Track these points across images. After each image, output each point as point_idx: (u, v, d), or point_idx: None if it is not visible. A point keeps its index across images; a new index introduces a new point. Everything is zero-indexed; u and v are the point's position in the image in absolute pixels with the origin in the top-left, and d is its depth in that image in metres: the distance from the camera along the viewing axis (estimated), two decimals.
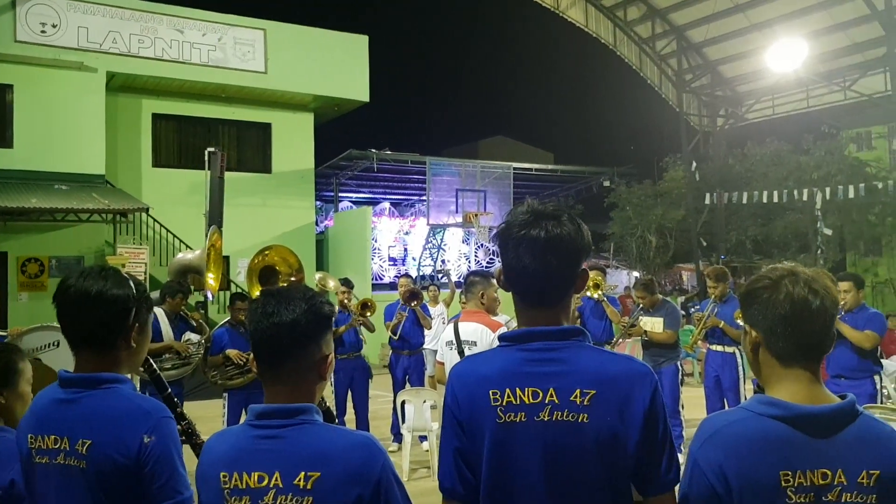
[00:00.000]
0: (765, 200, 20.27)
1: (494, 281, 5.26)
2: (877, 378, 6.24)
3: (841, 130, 24.47)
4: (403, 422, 7.83)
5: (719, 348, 7.65)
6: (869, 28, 19.51)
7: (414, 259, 24.90)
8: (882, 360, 6.64)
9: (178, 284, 7.55)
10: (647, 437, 1.75)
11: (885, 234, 21.69)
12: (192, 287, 8.72)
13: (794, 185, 20.30)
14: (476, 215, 22.06)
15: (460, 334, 4.93)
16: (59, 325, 2.09)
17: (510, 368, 1.81)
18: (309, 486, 1.68)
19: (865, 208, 20.81)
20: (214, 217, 13.56)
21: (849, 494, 1.60)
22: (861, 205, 20.38)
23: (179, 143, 17.94)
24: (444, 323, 10.20)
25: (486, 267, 24.71)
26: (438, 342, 9.92)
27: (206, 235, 8.89)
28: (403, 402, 7.81)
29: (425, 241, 24.47)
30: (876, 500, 1.61)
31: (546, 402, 1.76)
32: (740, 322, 6.86)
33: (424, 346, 9.38)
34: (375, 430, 8.43)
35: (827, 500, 1.61)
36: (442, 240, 24.64)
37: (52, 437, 1.96)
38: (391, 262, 25.01)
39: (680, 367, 8.09)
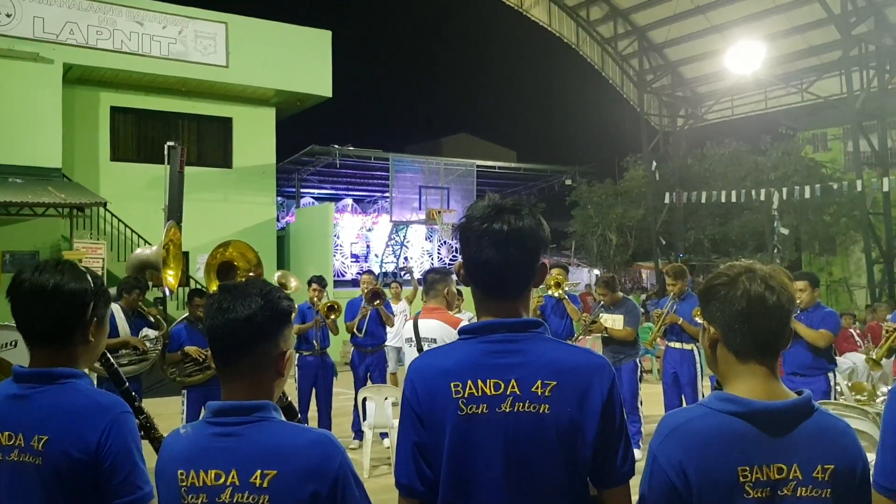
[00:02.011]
0: (723, 200, 20.59)
1: (453, 276, 5.28)
2: (831, 375, 6.37)
3: (798, 132, 24.93)
4: (364, 419, 7.81)
5: (678, 345, 7.76)
6: (825, 32, 19.88)
7: (377, 256, 24.82)
8: (836, 358, 6.77)
9: (134, 280, 7.45)
10: (604, 429, 1.78)
11: (840, 234, 22.15)
12: (151, 283, 8.60)
13: (752, 185, 20.65)
14: (439, 212, 22.07)
15: (420, 332, 4.94)
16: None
17: (471, 360, 1.82)
18: (265, 485, 1.67)
19: (821, 208, 21.24)
20: (174, 212, 13.39)
21: (804, 489, 1.63)
22: (816, 205, 20.79)
23: (138, 136, 17.66)
24: (406, 320, 10.19)
25: (449, 264, 24.72)
26: (400, 339, 9.91)
27: (164, 230, 8.77)
28: (365, 399, 7.79)
29: (388, 237, 24.40)
30: (830, 494, 1.64)
31: (508, 393, 1.77)
32: (698, 319, 6.97)
33: (386, 344, 9.36)
34: (337, 427, 8.39)
35: (783, 494, 1.63)
36: (405, 237, 24.60)
37: (6, 433, 1.91)
38: (353, 259, 24.90)
39: (639, 364, 8.18)
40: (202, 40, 17.18)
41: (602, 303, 8.12)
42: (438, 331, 4.83)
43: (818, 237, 22.44)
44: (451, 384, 1.80)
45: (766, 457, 1.64)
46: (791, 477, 1.63)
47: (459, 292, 6.97)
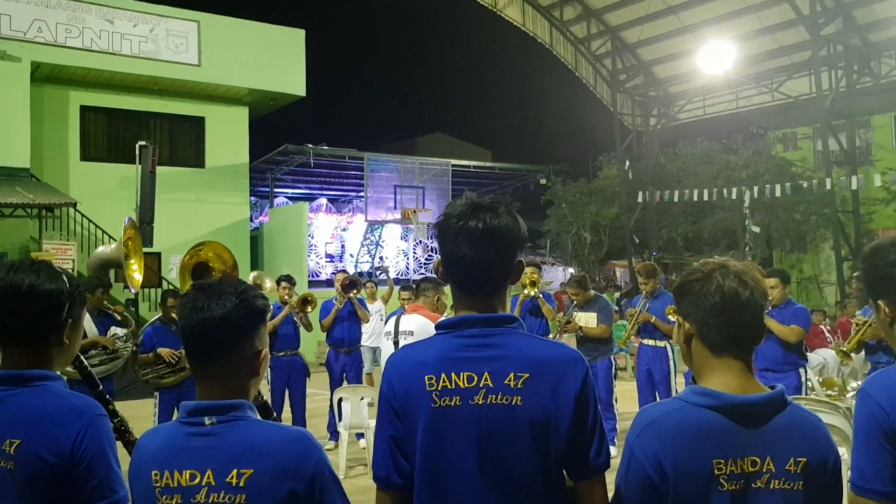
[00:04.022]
0: (695, 199, 20.76)
1: (442, 288, 5.33)
2: (802, 371, 6.46)
3: (768, 131, 25.16)
4: (340, 419, 7.79)
5: (651, 343, 7.83)
6: (795, 32, 20.12)
7: (351, 256, 24.73)
8: (807, 354, 6.87)
9: (97, 279, 7.34)
10: (578, 421, 1.80)
11: (810, 232, 22.40)
12: (123, 285, 8.50)
13: (724, 184, 20.83)
14: (415, 212, 22.06)
15: (399, 325, 5.00)
16: None
17: (446, 354, 1.85)
18: (241, 484, 1.66)
19: (791, 207, 21.47)
20: (145, 212, 13.29)
21: (777, 481, 1.66)
22: (787, 203, 21.02)
23: (109, 136, 17.47)
24: (381, 320, 10.18)
25: (425, 263, 24.73)
26: (375, 339, 9.90)
27: (122, 227, 8.70)
28: (340, 400, 7.77)
29: (363, 237, 24.33)
30: (802, 486, 1.67)
31: (481, 385, 1.80)
32: (671, 317, 7.04)
33: (362, 344, 9.33)
34: (312, 427, 8.32)
35: (756, 486, 1.66)
36: (380, 236, 24.54)
37: None
38: (328, 259, 24.78)
39: (613, 362, 8.24)
40: (174, 39, 17.03)
41: (575, 302, 8.15)
42: (417, 325, 4.87)
43: (789, 235, 22.68)
44: (426, 377, 1.83)
45: (741, 450, 1.66)
46: (765, 469, 1.66)
47: None
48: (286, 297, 8.42)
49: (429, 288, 5.18)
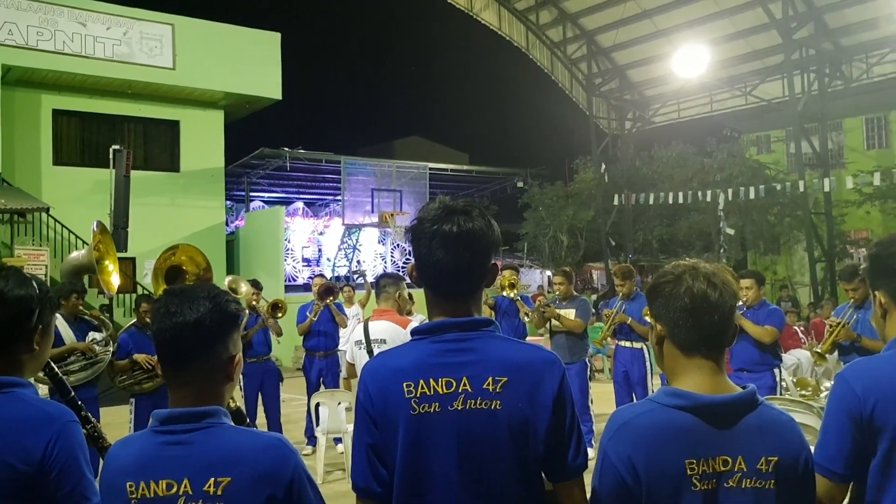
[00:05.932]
0: (670, 201, 20.89)
1: (405, 282, 5.29)
2: (776, 371, 6.53)
3: (742, 134, 25.40)
4: (318, 424, 7.76)
5: (627, 344, 7.88)
6: (768, 36, 20.33)
7: (328, 260, 24.66)
8: (781, 354, 6.94)
9: (70, 285, 7.25)
10: (555, 423, 1.80)
11: (783, 234, 22.61)
12: (98, 289, 8.41)
13: (698, 187, 21.00)
14: (392, 215, 22.03)
15: (370, 333, 4.94)
16: None
17: (423, 360, 1.84)
18: (219, 492, 1.65)
19: (765, 209, 21.67)
20: (119, 217, 13.18)
21: (748, 480, 1.67)
22: (761, 205, 21.21)
23: (82, 140, 17.28)
24: (359, 324, 10.14)
25: (402, 267, 24.70)
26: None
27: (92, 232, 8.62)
28: (318, 405, 7.74)
29: (340, 241, 24.27)
30: (774, 485, 1.68)
31: (460, 391, 1.79)
32: (648, 319, 7.08)
33: (339, 348, 9.30)
34: (289, 433, 8.31)
35: (728, 486, 1.67)
36: (357, 240, 24.49)
37: None
38: (305, 263, 24.69)
39: (589, 363, 8.27)
40: (148, 42, 16.88)
41: (558, 293, 8.22)
42: (388, 332, 4.84)
43: (763, 237, 22.88)
44: (404, 384, 1.81)
45: (712, 449, 1.68)
46: (736, 469, 1.68)
47: (410, 296, 6.98)
48: (254, 301, 8.39)
49: (388, 285, 5.12)
